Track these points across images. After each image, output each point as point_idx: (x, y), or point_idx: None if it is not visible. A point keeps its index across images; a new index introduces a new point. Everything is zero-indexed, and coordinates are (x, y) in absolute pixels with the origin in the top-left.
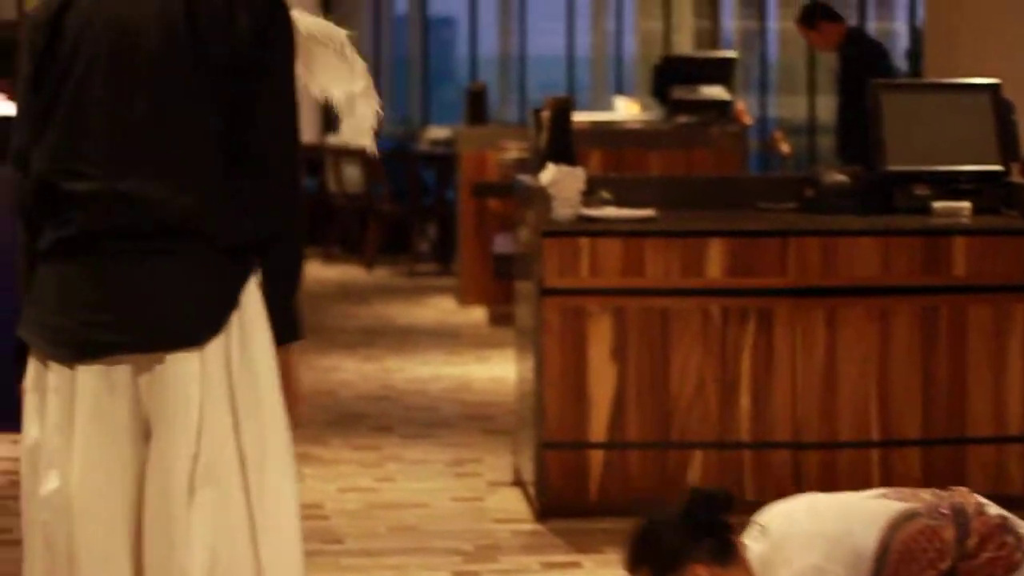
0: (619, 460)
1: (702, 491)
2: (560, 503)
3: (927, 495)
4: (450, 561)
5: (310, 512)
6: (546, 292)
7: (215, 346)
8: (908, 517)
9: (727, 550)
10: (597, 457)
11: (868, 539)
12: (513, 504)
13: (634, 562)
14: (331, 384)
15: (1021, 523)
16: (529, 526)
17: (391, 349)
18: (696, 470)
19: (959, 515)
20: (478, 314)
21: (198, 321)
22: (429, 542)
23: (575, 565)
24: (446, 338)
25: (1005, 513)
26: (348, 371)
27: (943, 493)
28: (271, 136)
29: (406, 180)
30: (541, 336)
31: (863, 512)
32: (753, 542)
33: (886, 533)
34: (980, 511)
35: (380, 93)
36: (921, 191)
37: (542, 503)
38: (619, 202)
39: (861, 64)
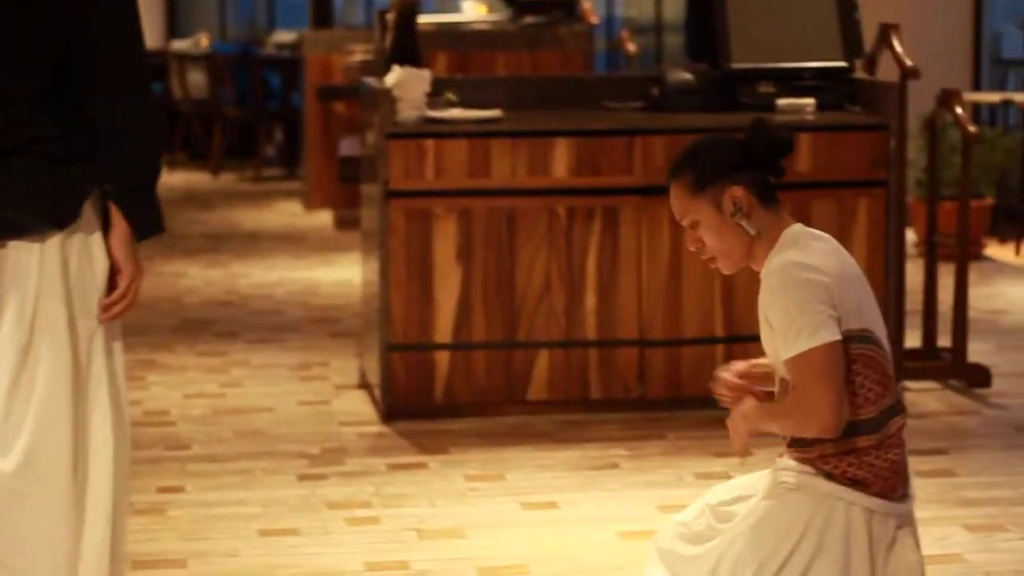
0: (465, 361)
1: (763, 124)
2: (406, 405)
3: None
4: (296, 464)
5: (156, 419)
6: (391, 194)
7: (54, 243)
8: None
9: (771, 192)
10: (443, 359)
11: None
12: (359, 407)
13: (679, 166)
14: (176, 290)
15: None
16: (375, 428)
17: (236, 254)
18: (542, 369)
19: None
20: (324, 218)
21: (40, 216)
22: (275, 446)
23: (421, 466)
24: (292, 242)
25: None
26: (193, 277)
27: None
28: (112, 48)
29: (251, 84)
30: (387, 239)
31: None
32: (799, 225)
33: None
34: None
35: None
36: (765, 88)
37: (388, 405)
38: (465, 104)
39: None
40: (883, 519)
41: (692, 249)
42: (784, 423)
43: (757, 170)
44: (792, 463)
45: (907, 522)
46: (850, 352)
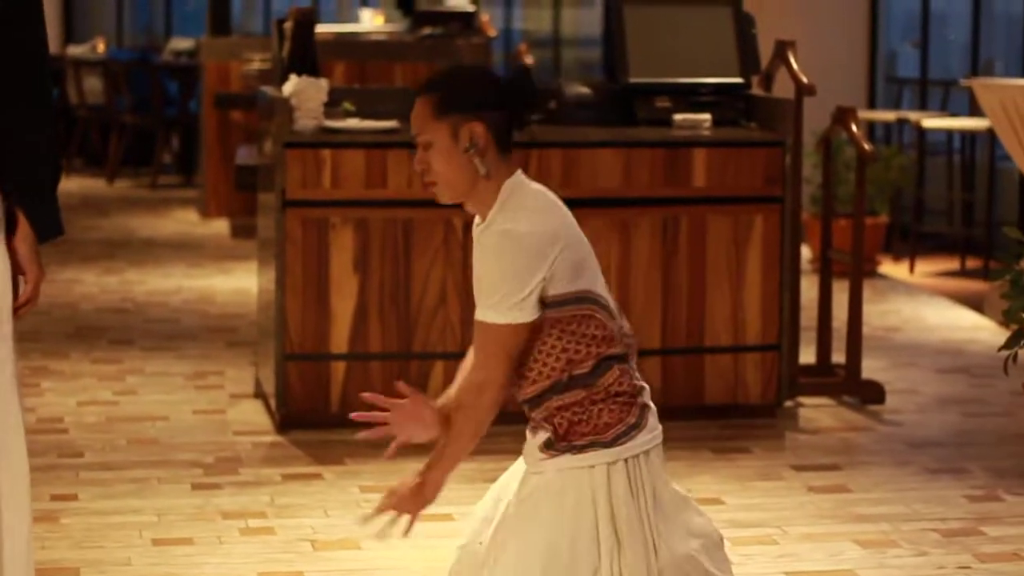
0: (361, 371)
1: (525, 76)
2: (301, 415)
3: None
4: (191, 473)
5: (49, 426)
6: (288, 204)
7: None
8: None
9: (510, 140)
10: (339, 368)
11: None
12: (254, 416)
13: (430, 84)
14: (71, 297)
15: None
16: (270, 438)
17: (132, 262)
18: (438, 380)
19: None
20: (221, 226)
21: None
22: (170, 455)
23: (316, 476)
24: (188, 250)
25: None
26: (88, 284)
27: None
28: (16, 53)
29: (149, 91)
30: (283, 248)
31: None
32: (523, 178)
33: None
34: None
35: (123, 3)
36: (662, 103)
37: (283, 415)
38: (362, 114)
39: None
40: (632, 462)
41: (417, 168)
42: (470, 428)
43: (504, 114)
44: (533, 461)
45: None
46: (564, 314)
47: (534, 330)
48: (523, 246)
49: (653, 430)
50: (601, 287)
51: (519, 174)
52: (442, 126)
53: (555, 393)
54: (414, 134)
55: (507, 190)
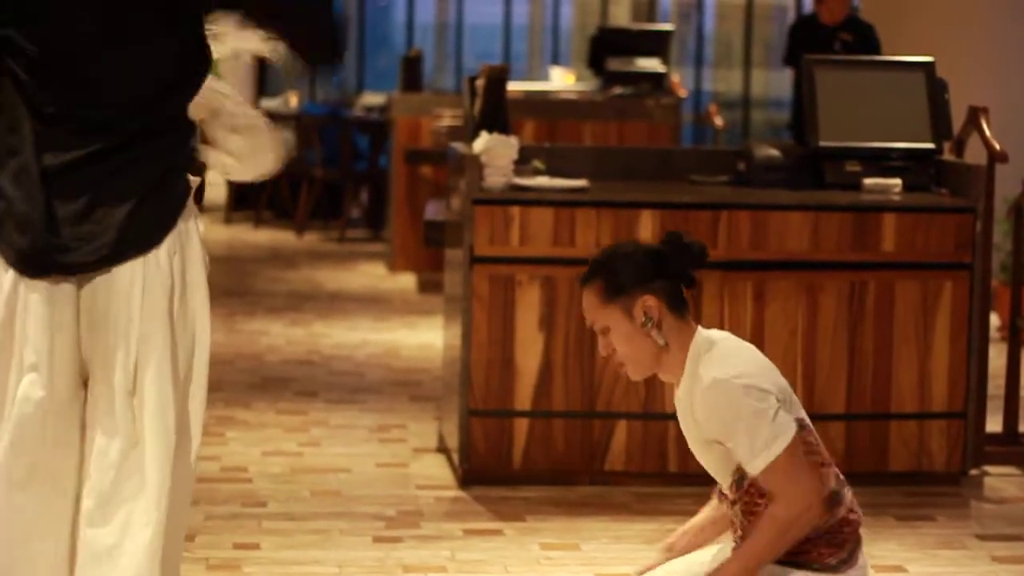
0: (543, 429)
1: (678, 235)
2: (484, 471)
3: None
4: (372, 526)
5: (233, 475)
6: (476, 260)
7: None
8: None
9: (683, 302)
10: (522, 425)
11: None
12: (437, 470)
13: (590, 274)
14: (258, 348)
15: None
16: (452, 493)
17: (319, 314)
18: (620, 441)
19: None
20: (408, 281)
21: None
22: (352, 507)
23: (497, 532)
24: (375, 304)
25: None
26: (275, 335)
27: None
28: None
29: (339, 145)
30: (469, 304)
31: None
32: (706, 330)
33: None
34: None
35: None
36: (852, 167)
37: (465, 470)
38: (551, 172)
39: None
40: None
41: (603, 354)
42: (776, 541)
43: (670, 280)
44: None
45: None
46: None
47: None
48: (742, 384)
49: (864, 567)
50: (801, 410)
51: (700, 331)
52: (614, 310)
53: None
54: (589, 323)
55: (695, 349)
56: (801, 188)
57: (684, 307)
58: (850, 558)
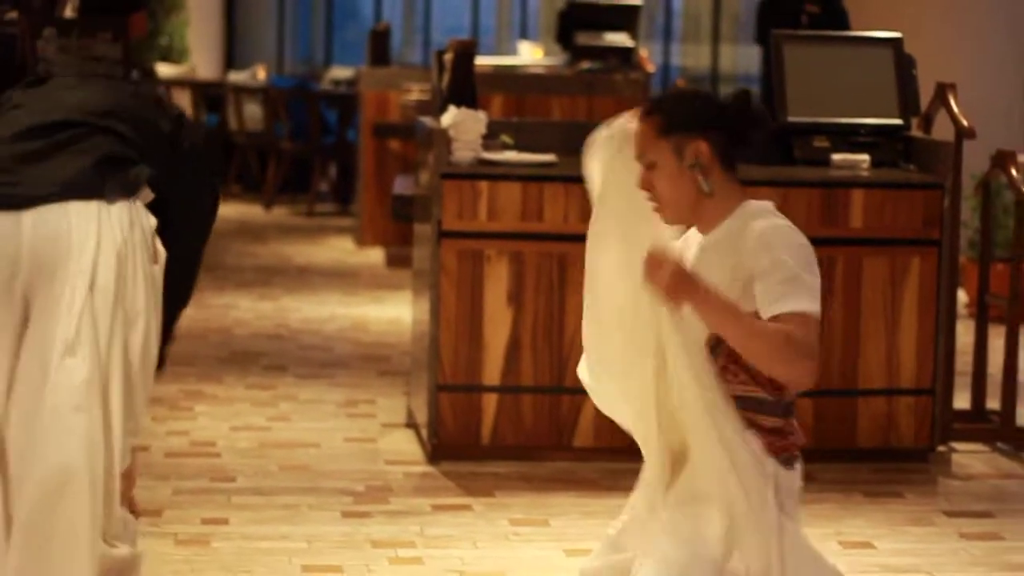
0: (512, 404)
1: (748, 96)
2: (452, 446)
3: None
4: (341, 501)
5: (202, 450)
6: (444, 235)
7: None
8: None
9: (732, 159)
10: (490, 401)
11: None
12: (406, 446)
13: (653, 106)
14: (226, 322)
15: None
16: (421, 468)
17: (288, 288)
18: (588, 416)
19: None
20: (376, 255)
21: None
22: (321, 482)
23: (465, 507)
24: (343, 278)
25: None
26: (243, 309)
27: None
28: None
29: (307, 119)
30: (438, 278)
31: None
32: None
33: None
34: None
35: (284, 31)
36: (820, 143)
37: (434, 445)
38: (520, 147)
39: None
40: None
41: (641, 188)
42: (757, 343)
43: (727, 134)
44: None
45: None
46: None
47: None
48: (804, 240)
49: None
50: None
51: (753, 202)
52: (665, 146)
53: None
54: (637, 155)
55: (747, 209)
56: (770, 164)
57: (733, 165)
58: (792, 461)
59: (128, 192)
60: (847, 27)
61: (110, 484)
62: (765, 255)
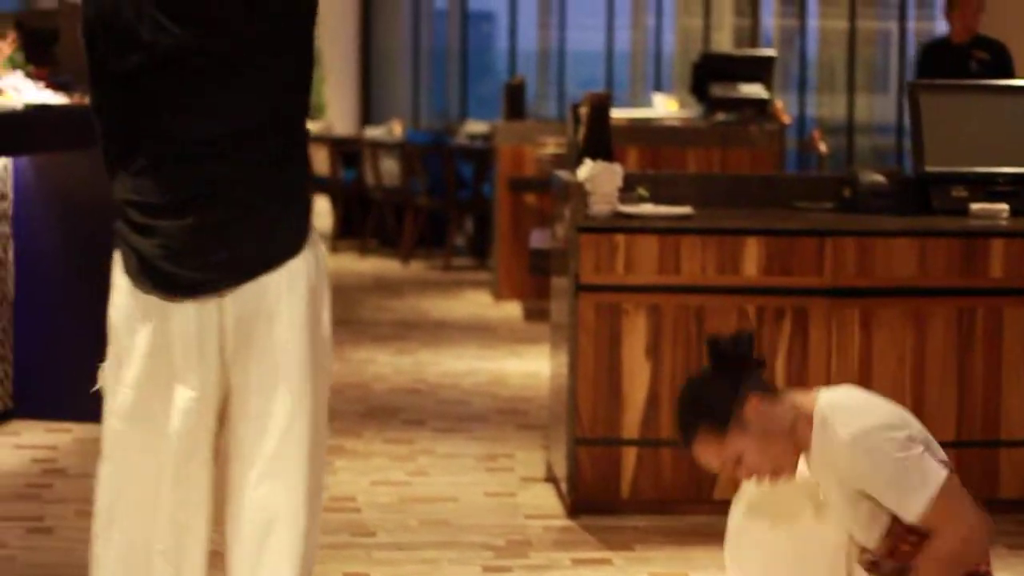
0: (651, 458)
1: (723, 337)
2: (592, 499)
3: None
4: (481, 556)
5: (342, 505)
6: (581, 288)
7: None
8: None
9: (772, 385)
10: (630, 454)
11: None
12: (545, 500)
13: (690, 429)
14: (364, 377)
15: None
16: (560, 522)
17: (425, 343)
18: None
19: None
20: (513, 309)
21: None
22: (460, 536)
23: (605, 562)
24: (481, 332)
25: None
26: (382, 364)
27: None
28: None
29: (443, 174)
30: (576, 332)
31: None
32: (820, 392)
33: None
34: None
35: (420, 87)
36: (959, 192)
37: (574, 499)
38: (656, 199)
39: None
40: None
41: (747, 478)
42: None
43: (752, 376)
44: None
45: None
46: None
47: None
48: (884, 436)
49: None
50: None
51: (817, 395)
52: (734, 436)
53: None
54: (721, 467)
55: (818, 415)
56: (907, 214)
57: (774, 388)
58: None
59: None
60: (1013, 73)
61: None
62: (862, 463)
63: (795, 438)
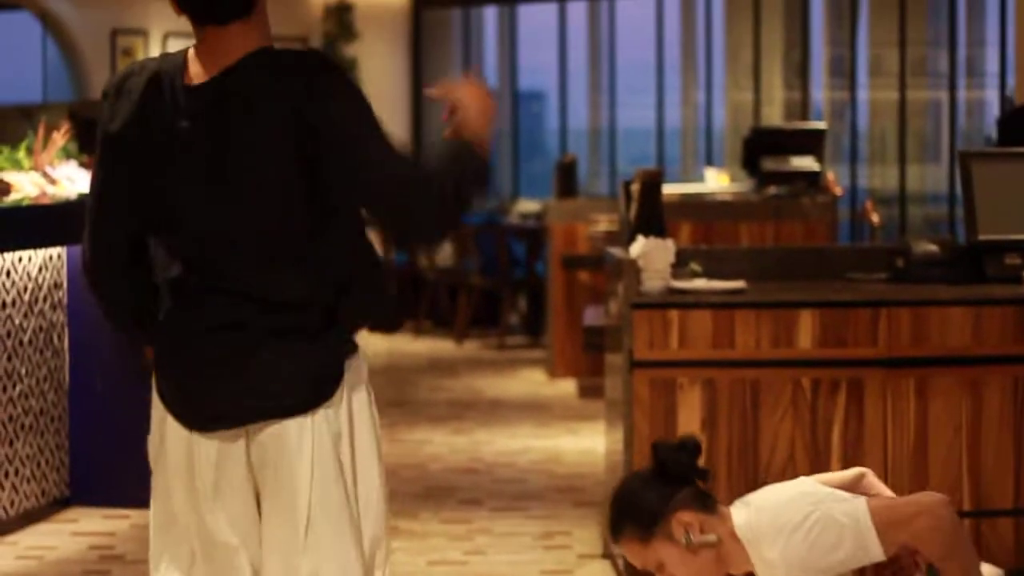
0: None
1: (667, 443)
2: (650, 574)
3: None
4: None
5: None
6: (636, 364)
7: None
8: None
9: (707, 497)
10: None
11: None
12: None
13: (617, 526)
14: (420, 457)
15: None
16: None
17: (480, 422)
18: None
19: None
20: (568, 386)
21: (306, 395)
22: None
23: None
24: (536, 410)
25: None
26: (437, 444)
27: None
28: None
29: (496, 253)
30: (631, 408)
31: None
32: (735, 510)
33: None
34: None
35: None
36: (1012, 260)
37: (631, 575)
38: (709, 274)
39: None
40: None
41: None
42: (955, 545)
43: (685, 484)
44: None
45: None
46: None
47: None
48: (801, 537)
49: None
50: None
51: (731, 516)
52: (658, 544)
53: None
54: (641, 567)
55: (745, 537)
56: (961, 283)
57: (711, 500)
58: None
59: None
60: None
61: None
62: (819, 567)
63: (721, 554)
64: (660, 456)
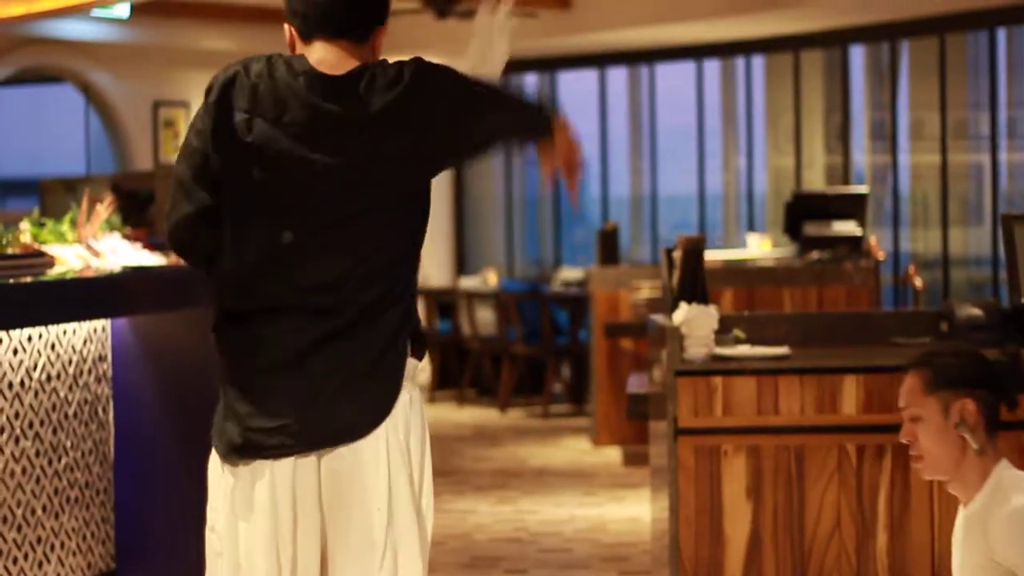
0: None
1: (1020, 360)
2: None
3: None
4: None
5: None
6: (680, 432)
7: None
8: None
9: (998, 421)
10: None
11: None
12: None
13: (922, 359)
14: (466, 527)
15: None
16: None
17: (525, 491)
18: None
19: None
20: (612, 454)
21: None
22: None
23: None
24: (580, 478)
25: None
26: (482, 514)
27: None
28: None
29: (539, 321)
30: (676, 476)
31: None
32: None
33: None
34: None
35: (513, 235)
36: None
37: None
38: (752, 340)
39: None
40: None
41: (903, 440)
42: None
43: (994, 395)
44: None
45: None
46: None
47: None
48: None
49: None
50: None
51: (1005, 462)
52: (932, 401)
53: None
54: (902, 407)
55: (1004, 474)
56: (1006, 345)
57: (997, 426)
58: None
59: None
60: None
61: None
62: (1013, 548)
63: (960, 465)
64: (1006, 359)
